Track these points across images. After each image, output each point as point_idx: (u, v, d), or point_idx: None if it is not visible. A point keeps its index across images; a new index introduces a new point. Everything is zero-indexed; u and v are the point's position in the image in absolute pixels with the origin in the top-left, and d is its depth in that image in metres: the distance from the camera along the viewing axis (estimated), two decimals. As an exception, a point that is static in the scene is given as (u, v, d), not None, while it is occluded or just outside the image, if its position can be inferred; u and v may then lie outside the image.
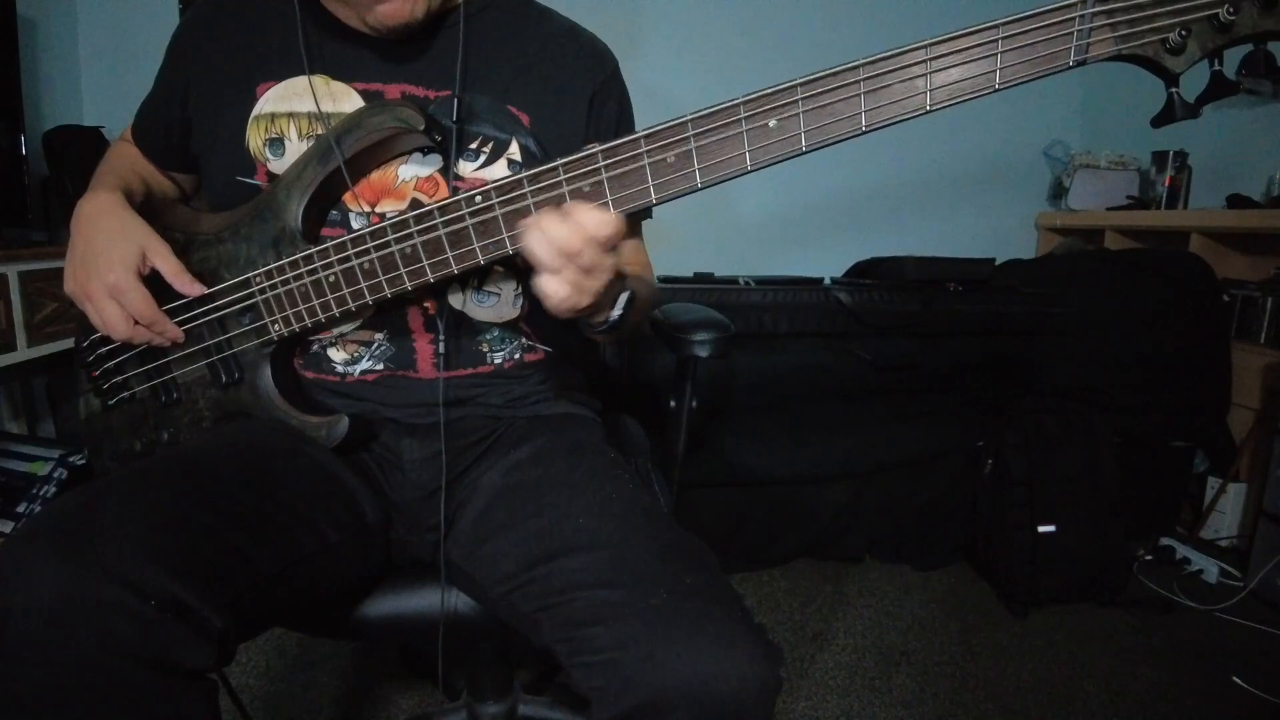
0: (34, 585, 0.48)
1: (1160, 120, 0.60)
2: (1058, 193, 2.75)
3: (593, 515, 0.65)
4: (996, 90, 0.57)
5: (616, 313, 0.68)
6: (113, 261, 0.70)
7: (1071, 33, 0.55)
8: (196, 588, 0.51)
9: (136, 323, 0.72)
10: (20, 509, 1.54)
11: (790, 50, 2.48)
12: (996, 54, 0.55)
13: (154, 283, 0.73)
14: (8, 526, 1.52)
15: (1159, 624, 1.65)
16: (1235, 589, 1.75)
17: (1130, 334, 1.97)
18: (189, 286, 0.73)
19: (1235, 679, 1.44)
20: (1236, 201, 2.11)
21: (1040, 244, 2.80)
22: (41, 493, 1.57)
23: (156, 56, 0.84)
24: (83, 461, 1.62)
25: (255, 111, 0.74)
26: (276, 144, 0.74)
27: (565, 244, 0.58)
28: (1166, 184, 2.36)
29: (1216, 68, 0.58)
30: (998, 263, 2.24)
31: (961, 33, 0.55)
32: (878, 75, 0.57)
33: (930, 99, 0.57)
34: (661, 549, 0.61)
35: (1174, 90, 0.58)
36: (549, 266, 0.59)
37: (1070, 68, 0.56)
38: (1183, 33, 0.55)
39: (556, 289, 0.60)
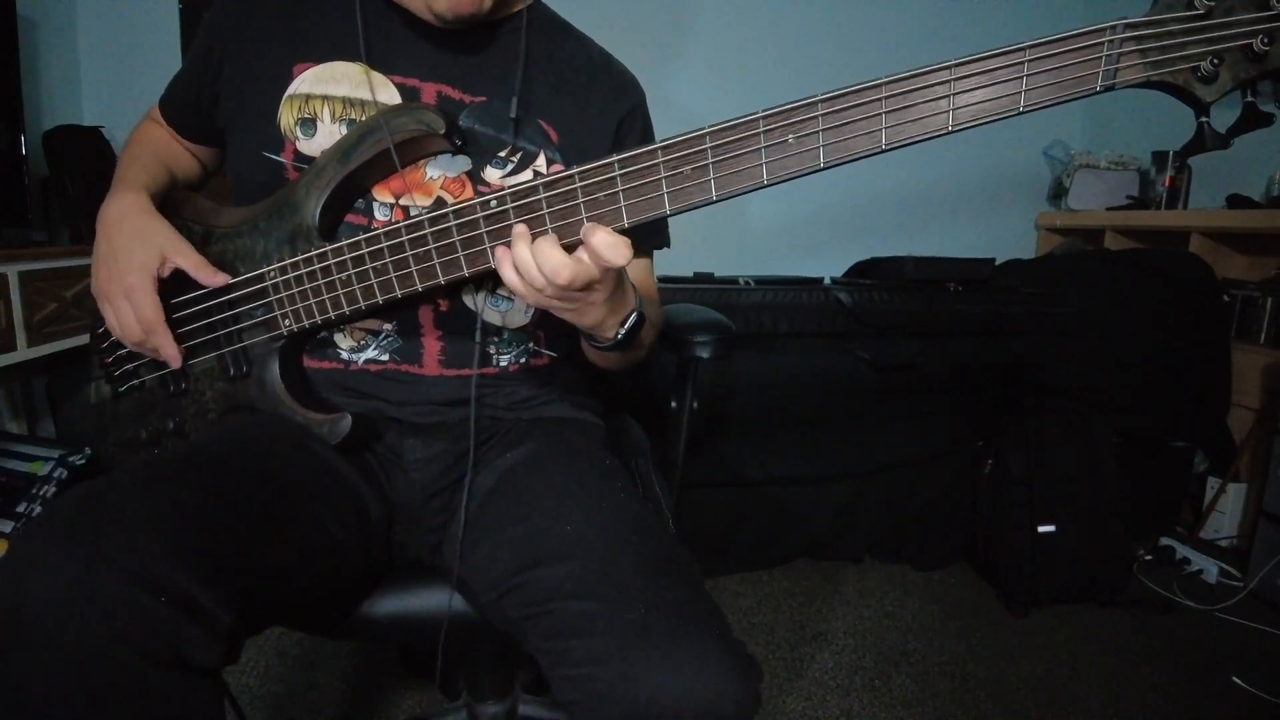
0: (47, 576, 0.48)
1: (1190, 150, 0.58)
2: (1058, 193, 2.75)
3: (579, 523, 0.65)
4: (1021, 113, 0.55)
5: (622, 332, 0.68)
6: (132, 264, 0.72)
7: (1100, 57, 0.53)
8: (207, 584, 0.51)
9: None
10: (20, 509, 1.54)
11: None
12: (1022, 76, 0.54)
13: (173, 280, 0.75)
14: (8, 526, 1.52)
15: (1159, 624, 1.65)
16: (1235, 589, 1.75)
17: (1130, 334, 1.97)
18: (212, 278, 0.74)
19: (1235, 679, 1.44)
20: (1236, 201, 2.11)
21: (1040, 244, 2.81)
22: (41, 493, 1.57)
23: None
24: (82, 461, 1.62)
25: (290, 91, 0.74)
26: (309, 124, 0.74)
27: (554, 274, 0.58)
28: (1166, 184, 2.36)
29: (1249, 99, 0.56)
30: (998, 263, 2.23)
31: (987, 54, 0.54)
32: (900, 94, 0.56)
33: (953, 119, 0.56)
34: (644, 561, 0.61)
35: (1204, 120, 0.56)
36: (527, 296, 0.61)
37: (1098, 92, 0.55)
38: (1215, 61, 0.53)
39: (545, 304, 0.61)
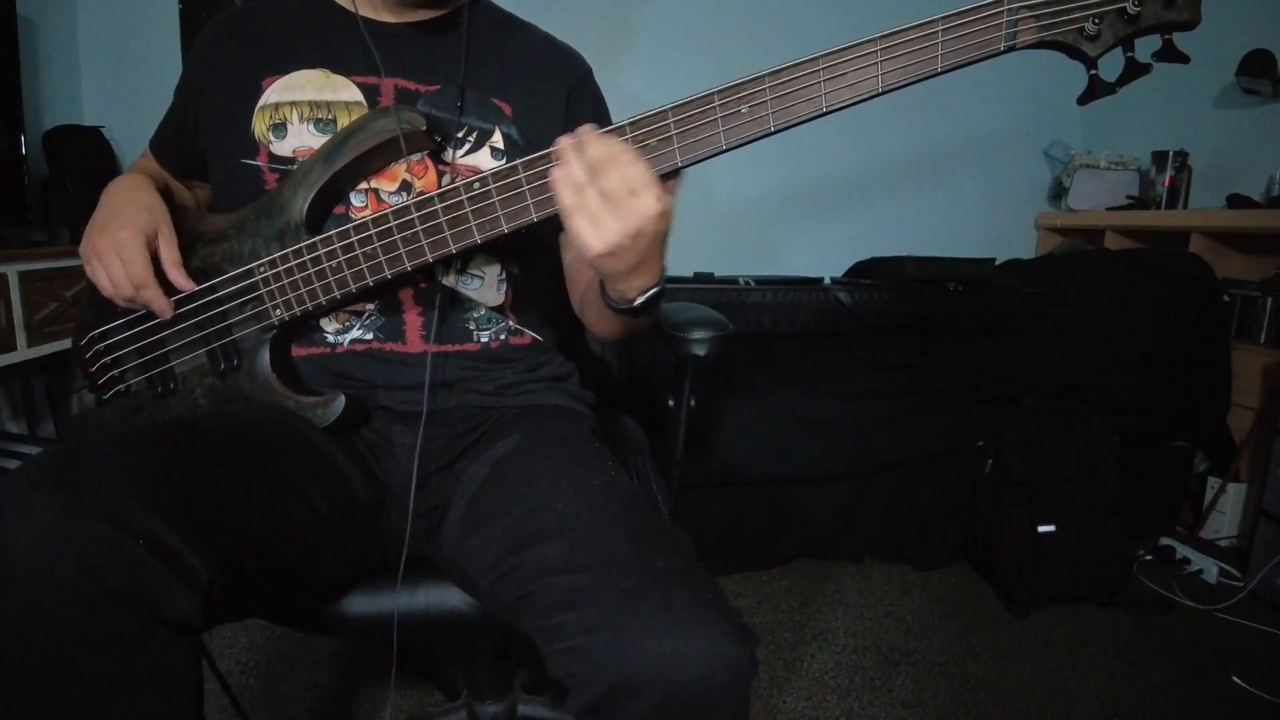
0: (24, 514, 0.49)
1: (1084, 98, 0.68)
2: (1058, 193, 2.75)
3: (569, 502, 0.66)
4: (939, 74, 0.64)
5: (641, 299, 0.68)
6: (126, 223, 0.74)
7: (1001, 23, 0.63)
8: (185, 533, 0.52)
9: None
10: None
11: (776, 57, 2.47)
12: (938, 43, 0.63)
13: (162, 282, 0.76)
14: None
15: (1159, 624, 1.65)
16: (1235, 589, 1.75)
17: (1130, 334, 1.96)
18: (180, 280, 0.76)
19: (1235, 679, 1.44)
20: (1236, 201, 2.11)
21: (1040, 244, 2.80)
22: (41, 493, 1.57)
23: (157, 56, 0.87)
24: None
25: (261, 102, 0.79)
26: (279, 128, 0.79)
27: (596, 159, 0.60)
28: (1166, 184, 2.36)
29: (1129, 54, 0.65)
30: (998, 263, 2.23)
31: (907, 27, 0.63)
32: (836, 65, 0.64)
33: (882, 82, 0.64)
34: (635, 533, 0.62)
35: (1094, 72, 0.65)
36: (569, 190, 0.61)
37: (1002, 52, 0.64)
38: (1096, 21, 0.63)
39: (581, 225, 0.61)
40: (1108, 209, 2.53)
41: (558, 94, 0.87)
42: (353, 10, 0.82)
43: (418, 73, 0.82)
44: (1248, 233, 2.09)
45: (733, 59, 2.46)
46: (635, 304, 0.69)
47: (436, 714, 1.08)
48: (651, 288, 0.69)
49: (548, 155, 0.66)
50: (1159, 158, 2.40)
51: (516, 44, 0.89)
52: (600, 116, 0.90)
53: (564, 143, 0.62)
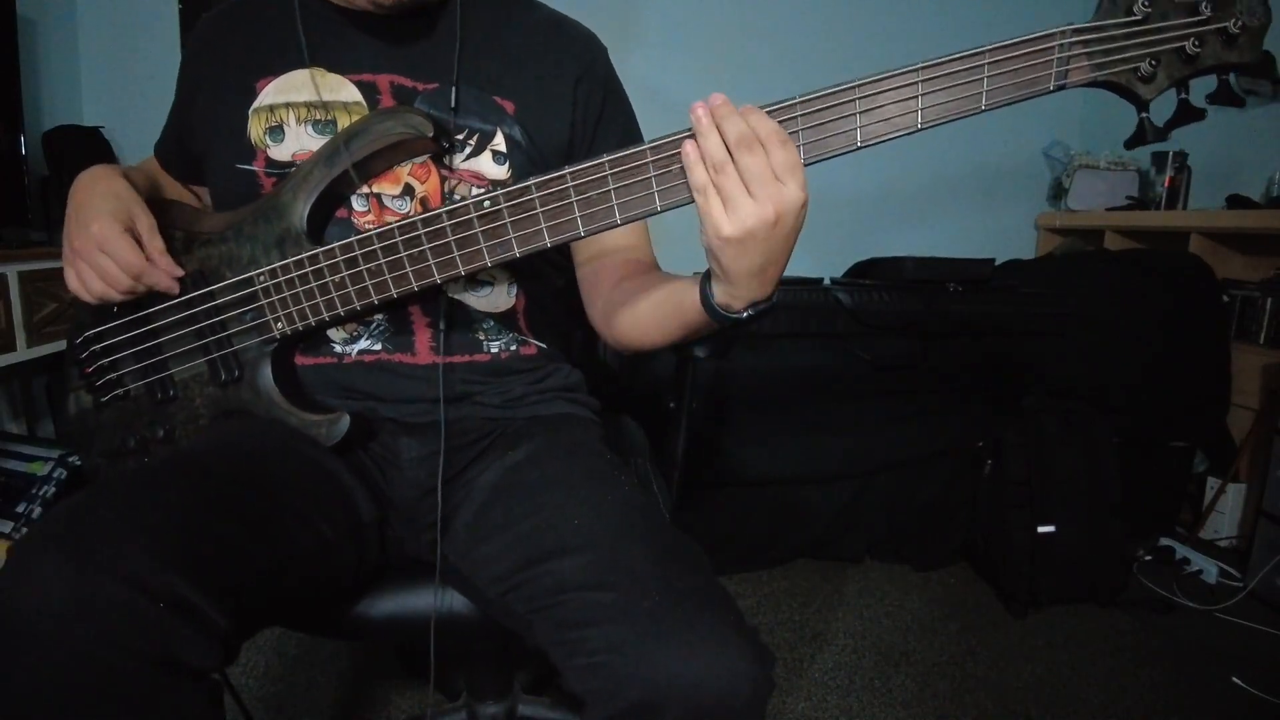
0: (43, 588, 0.48)
1: (1132, 142, 0.64)
2: (1058, 193, 2.75)
3: (587, 516, 0.65)
4: (982, 111, 0.60)
5: (750, 312, 0.64)
6: (100, 214, 0.71)
7: (1052, 60, 0.59)
8: (201, 587, 0.52)
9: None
10: (20, 509, 1.54)
11: (785, 47, 2.47)
12: (983, 78, 0.59)
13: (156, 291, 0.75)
14: (7, 526, 1.52)
15: (1159, 624, 1.65)
16: (1235, 589, 1.75)
17: (1130, 334, 1.97)
18: (170, 267, 0.74)
19: (1235, 679, 1.44)
20: (1236, 202, 2.11)
21: (1040, 244, 2.81)
22: (41, 493, 1.57)
23: (156, 56, 0.85)
24: (82, 462, 1.62)
25: (255, 104, 0.77)
26: (276, 131, 0.76)
27: (740, 136, 0.56)
28: (1166, 184, 2.36)
29: (1183, 96, 0.62)
30: (998, 263, 2.23)
31: (951, 58, 0.59)
32: (873, 95, 0.60)
33: (921, 118, 0.60)
34: (655, 551, 0.62)
35: (1144, 115, 0.62)
36: (708, 168, 0.57)
37: (1051, 91, 0.60)
38: (1152, 63, 0.59)
39: (713, 205, 0.57)
40: (1107, 209, 2.53)
41: (565, 85, 0.82)
42: None
43: (414, 69, 0.77)
44: (1247, 233, 2.09)
45: (745, 43, 2.45)
46: (743, 316, 0.64)
47: (436, 714, 1.08)
48: (762, 302, 0.63)
49: (563, 176, 0.63)
50: (1158, 158, 2.40)
51: (522, 31, 0.83)
52: (609, 103, 0.86)
53: (699, 111, 0.57)
